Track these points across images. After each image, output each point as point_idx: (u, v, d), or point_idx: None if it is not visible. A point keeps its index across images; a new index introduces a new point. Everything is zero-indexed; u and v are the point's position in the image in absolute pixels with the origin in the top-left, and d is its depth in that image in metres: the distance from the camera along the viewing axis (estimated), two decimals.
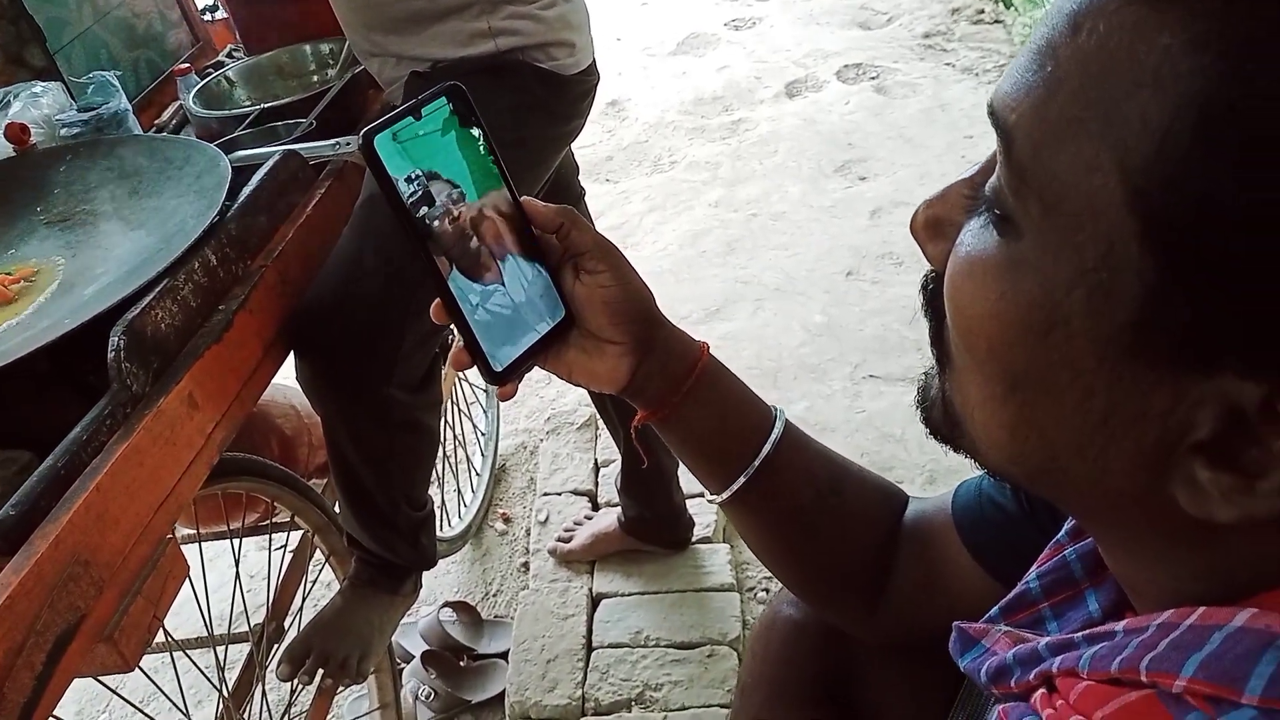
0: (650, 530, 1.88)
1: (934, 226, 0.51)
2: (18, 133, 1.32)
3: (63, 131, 1.38)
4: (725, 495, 0.80)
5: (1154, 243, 0.36)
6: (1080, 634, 0.50)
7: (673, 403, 0.77)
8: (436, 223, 0.64)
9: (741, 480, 0.79)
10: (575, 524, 2.00)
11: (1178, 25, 0.34)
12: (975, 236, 0.46)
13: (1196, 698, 0.40)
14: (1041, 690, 0.50)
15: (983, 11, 4.14)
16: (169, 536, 0.96)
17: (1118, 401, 0.40)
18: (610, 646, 1.77)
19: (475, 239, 0.67)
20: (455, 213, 0.65)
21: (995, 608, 0.65)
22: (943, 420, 0.54)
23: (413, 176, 0.62)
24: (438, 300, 0.66)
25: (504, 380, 0.70)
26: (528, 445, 2.34)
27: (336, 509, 1.45)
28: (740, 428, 0.80)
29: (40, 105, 1.43)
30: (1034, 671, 0.52)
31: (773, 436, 0.80)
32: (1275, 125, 0.32)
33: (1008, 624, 0.63)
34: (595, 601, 1.88)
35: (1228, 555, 0.43)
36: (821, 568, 0.85)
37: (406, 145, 0.63)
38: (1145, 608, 0.50)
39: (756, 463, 0.79)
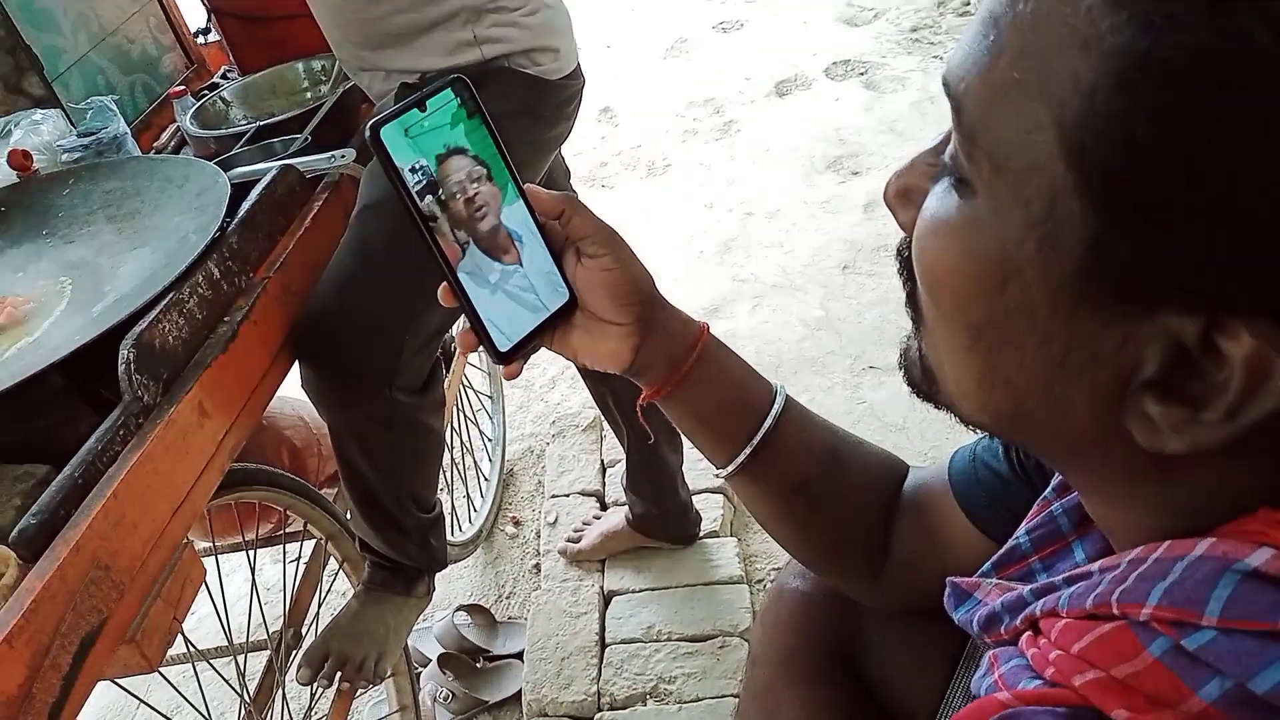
0: (658, 527, 1.90)
1: (903, 195, 0.54)
2: (20, 159, 1.35)
3: (64, 157, 1.42)
4: (730, 469, 0.83)
5: (1090, 193, 0.39)
6: (1061, 577, 0.53)
7: (675, 380, 0.80)
8: (452, 203, 0.67)
9: (745, 453, 0.82)
10: (584, 524, 2.02)
11: None
12: (938, 200, 0.49)
13: (1162, 624, 0.42)
14: (1028, 633, 0.52)
15: (969, 3, 4.16)
16: (185, 541, 0.98)
17: (1072, 345, 0.43)
18: (623, 642, 1.79)
19: (485, 220, 0.70)
20: (470, 193, 0.69)
21: (988, 563, 0.68)
22: (921, 377, 0.57)
23: (417, 166, 0.65)
24: (444, 284, 0.69)
25: (509, 360, 0.73)
26: (534, 449, 2.36)
27: (348, 516, 1.48)
28: (742, 403, 0.83)
29: (41, 132, 1.46)
30: (1020, 616, 0.54)
31: (774, 410, 0.82)
32: (1181, 72, 0.35)
33: (1000, 578, 0.66)
34: (607, 599, 1.90)
35: (1188, 490, 0.45)
36: (826, 536, 0.87)
37: (412, 136, 0.65)
38: (1122, 549, 0.53)
39: (759, 436, 0.82)
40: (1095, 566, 0.49)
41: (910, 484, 0.88)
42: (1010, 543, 0.66)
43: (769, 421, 0.82)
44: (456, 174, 0.68)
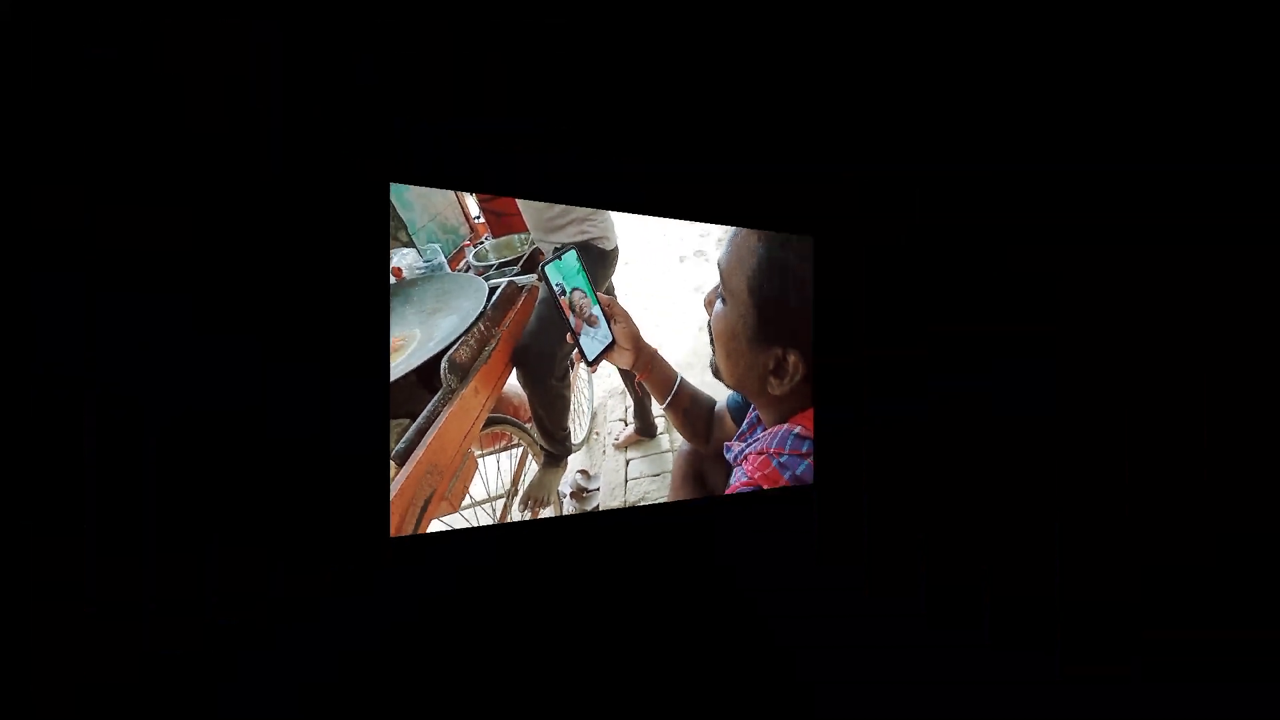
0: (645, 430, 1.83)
1: (710, 303, 0.68)
2: (397, 272, 1.34)
3: (416, 271, 1.40)
4: (664, 405, 1.03)
5: (751, 303, 0.46)
6: (753, 439, 0.63)
7: (647, 370, 0.98)
8: (577, 313, 0.69)
9: (668, 399, 1.03)
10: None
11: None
12: (720, 304, 0.67)
13: (777, 457, 0.49)
14: (744, 462, 0.62)
15: None
16: (470, 452, 0.95)
17: (755, 358, 0.59)
18: None
19: (591, 314, 0.71)
20: (579, 305, 0.70)
21: (735, 435, 0.85)
22: (715, 372, 0.82)
23: (558, 284, 0.66)
24: (569, 333, 0.70)
25: (593, 365, 0.75)
26: (605, 403, 2.31)
27: (536, 435, 1.45)
28: (668, 379, 1.01)
29: (405, 258, 1.44)
30: (742, 455, 0.69)
31: (678, 381, 1.00)
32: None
33: (738, 441, 0.85)
34: None
35: (786, 406, 0.53)
36: (691, 429, 1.06)
37: (557, 270, 0.66)
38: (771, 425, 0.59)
39: (673, 391, 1.01)
40: (760, 431, 0.60)
41: (717, 408, 1.06)
42: (742, 427, 0.89)
43: (676, 385, 0.99)
44: (577, 298, 0.69)
